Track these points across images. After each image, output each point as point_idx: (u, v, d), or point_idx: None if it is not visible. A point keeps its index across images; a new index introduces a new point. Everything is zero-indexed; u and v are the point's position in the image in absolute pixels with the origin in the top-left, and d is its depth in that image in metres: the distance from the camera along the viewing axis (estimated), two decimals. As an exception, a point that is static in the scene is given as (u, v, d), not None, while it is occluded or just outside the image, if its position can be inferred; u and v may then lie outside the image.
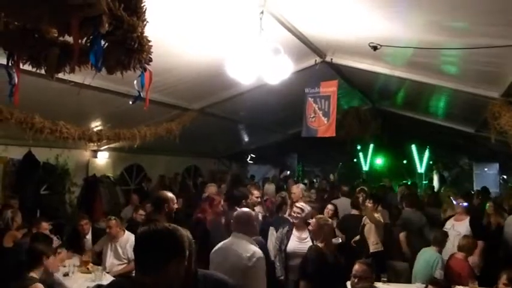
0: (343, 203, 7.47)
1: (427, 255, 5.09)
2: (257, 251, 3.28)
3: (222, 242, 3.43)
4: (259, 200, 6.33)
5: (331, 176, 13.17)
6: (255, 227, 4.32)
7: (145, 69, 2.55)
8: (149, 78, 2.69)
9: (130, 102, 2.98)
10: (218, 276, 2.21)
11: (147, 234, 1.77)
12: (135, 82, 2.68)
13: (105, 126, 6.52)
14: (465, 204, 6.11)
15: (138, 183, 10.18)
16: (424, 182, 13.82)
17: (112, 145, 8.08)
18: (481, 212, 6.81)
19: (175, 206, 4.30)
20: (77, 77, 3.10)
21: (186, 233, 1.84)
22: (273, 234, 5.26)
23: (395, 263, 5.86)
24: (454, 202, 6.29)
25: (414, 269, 5.21)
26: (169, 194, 4.34)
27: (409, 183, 11.86)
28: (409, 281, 5.18)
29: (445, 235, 5.29)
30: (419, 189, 11.75)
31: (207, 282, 1.92)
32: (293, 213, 5.00)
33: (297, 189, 6.74)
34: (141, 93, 2.72)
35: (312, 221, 4.45)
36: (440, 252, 5.06)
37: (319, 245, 4.16)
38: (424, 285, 3.48)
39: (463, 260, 5.01)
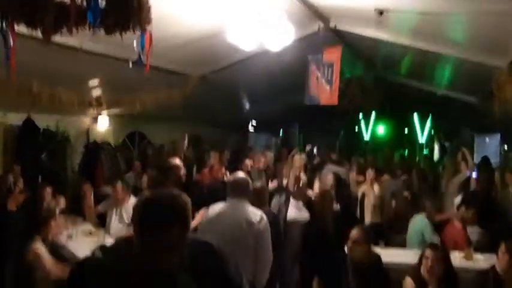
0: (334, 169, 7.46)
1: (416, 222, 5.18)
2: (262, 214, 3.32)
3: (216, 208, 3.35)
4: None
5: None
6: (264, 198, 4.38)
7: (145, 31, 2.49)
8: (149, 41, 2.63)
9: (130, 65, 2.93)
10: (203, 240, 2.16)
11: (151, 199, 1.76)
12: (134, 42, 2.61)
13: (104, 92, 6.45)
14: (475, 174, 6.16)
15: (141, 150, 10.19)
16: (425, 151, 13.81)
17: (112, 112, 8.03)
18: (487, 182, 6.79)
19: (183, 173, 4.25)
20: (75, 42, 3.04)
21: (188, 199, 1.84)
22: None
23: (395, 235, 5.90)
24: (467, 171, 6.36)
25: (407, 236, 5.30)
26: (177, 161, 4.26)
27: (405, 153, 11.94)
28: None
29: (435, 203, 5.33)
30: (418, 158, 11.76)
31: (193, 246, 1.91)
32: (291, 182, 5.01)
33: (299, 159, 6.75)
34: (141, 56, 2.66)
35: (315, 190, 4.50)
36: (430, 218, 5.11)
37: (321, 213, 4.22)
38: (421, 250, 3.50)
39: (459, 227, 5.08)
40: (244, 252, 3.10)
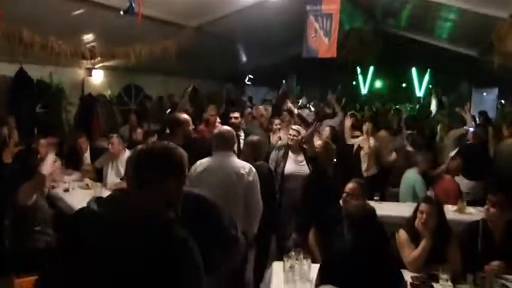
0: (328, 124, 7.43)
1: (408, 176, 5.23)
2: (251, 166, 3.35)
3: (204, 162, 3.33)
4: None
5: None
6: (259, 151, 4.38)
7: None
8: (141, -12, 2.49)
9: (122, 13, 2.80)
10: (196, 192, 2.17)
11: (145, 152, 1.73)
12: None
13: (98, 43, 6.27)
14: (472, 129, 6.16)
15: (139, 103, 10.08)
16: (424, 105, 13.75)
17: (107, 63, 7.85)
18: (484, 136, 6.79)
19: (191, 127, 4.16)
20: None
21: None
22: None
23: (391, 188, 5.97)
24: (466, 127, 6.37)
25: (400, 190, 5.36)
26: (186, 116, 4.10)
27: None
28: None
29: (427, 156, 5.36)
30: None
31: (187, 199, 1.90)
32: (289, 136, 4.96)
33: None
34: (132, 4, 2.53)
35: (319, 143, 4.51)
36: (421, 173, 5.14)
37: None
38: (415, 204, 3.54)
39: (451, 180, 5.14)
40: (235, 204, 3.14)
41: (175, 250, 1.49)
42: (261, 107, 6.91)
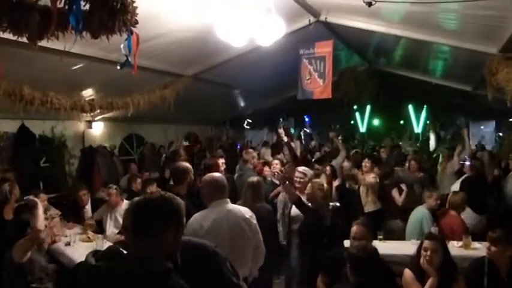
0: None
1: (416, 213, 5.22)
2: (248, 209, 3.32)
3: (207, 215, 3.12)
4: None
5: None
6: (260, 193, 4.38)
7: (131, 32, 2.45)
8: (136, 42, 2.59)
9: (118, 67, 2.89)
10: (195, 241, 2.15)
11: (143, 203, 1.74)
12: (121, 46, 2.57)
13: (97, 96, 6.41)
14: (468, 162, 6.19)
15: (141, 152, 10.15)
16: (422, 141, 13.80)
17: (107, 115, 7.99)
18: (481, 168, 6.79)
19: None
20: (63, 46, 2.99)
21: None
22: None
23: (390, 221, 5.91)
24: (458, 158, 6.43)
25: (407, 227, 5.34)
26: (189, 165, 4.12)
27: (400, 143, 11.98)
28: (403, 238, 5.26)
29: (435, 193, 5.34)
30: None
31: (186, 248, 1.89)
32: (296, 178, 4.96)
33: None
34: (129, 58, 2.62)
35: (308, 185, 4.48)
36: (430, 209, 5.12)
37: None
38: (419, 241, 3.49)
39: (456, 216, 5.09)
40: (248, 250, 3.12)
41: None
42: (250, 150, 6.96)
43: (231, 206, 3.20)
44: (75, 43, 2.34)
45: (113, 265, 1.54)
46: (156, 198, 1.75)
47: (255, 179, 4.58)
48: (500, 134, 12.52)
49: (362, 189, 6.12)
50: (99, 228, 5.39)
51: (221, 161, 5.70)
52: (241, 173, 6.16)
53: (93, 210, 5.77)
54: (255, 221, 3.21)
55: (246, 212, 3.20)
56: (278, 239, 4.67)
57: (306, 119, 15.96)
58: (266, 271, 4.08)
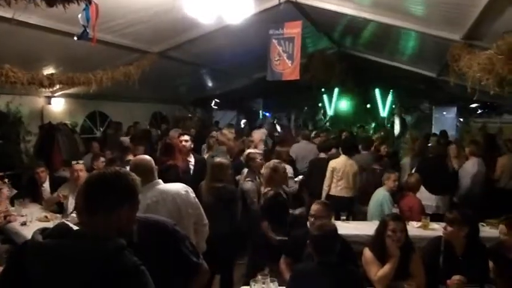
0: (305, 147, 7.55)
1: (377, 195, 5.38)
2: (181, 185, 3.22)
3: (141, 201, 3.06)
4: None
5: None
6: (221, 173, 4.37)
7: (90, 2, 2.34)
8: (96, 13, 2.47)
9: (75, 38, 2.76)
10: (154, 218, 2.12)
11: (97, 177, 1.70)
12: (79, 16, 2.45)
13: (57, 70, 6.15)
14: None
15: (104, 130, 9.88)
16: (387, 125, 14.09)
17: (68, 91, 7.71)
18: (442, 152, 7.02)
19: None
20: (20, 17, 2.83)
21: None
22: None
23: (364, 207, 6.04)
24: None
25: (368, 208, 5.49)
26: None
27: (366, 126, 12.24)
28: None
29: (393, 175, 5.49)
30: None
31: (145, 226, 1.86)
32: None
33: (258, 133, 6.79)
34: (87, 29, 2.50)
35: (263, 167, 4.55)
36: (389, 191, 5.29)
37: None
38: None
39: (413, 197, 5.29)
40: (187, 226, 3.04)
41: (123, 279, 1.44)
42: (226, 131, 6.89)
43: (163, 186, 3.10)
44: (26, 8, 2.19)
45: (61, 242, 1.49)
46: (110, 173, 1.70)
47: (217, 159, 4.58)
48: (461, 120, 12.97)
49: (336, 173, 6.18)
50: (60, 208, 5.22)
51: (184, 138, 5.59)
52: (214, 154, 6.11)
53: (53, 189, 5.58)
54: (193, 195, 3.15)
55: (180, 188, 3.11)
56: (237, 220, 4.66)
57: (267, 115, 16.02)
58: (226, 251, 4.11)
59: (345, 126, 12.61)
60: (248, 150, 5.90)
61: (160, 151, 5.87)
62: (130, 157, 5.49)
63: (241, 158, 6.15)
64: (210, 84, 11.48)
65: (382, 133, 10.38)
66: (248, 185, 4.92)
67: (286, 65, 6.22)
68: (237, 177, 5.67)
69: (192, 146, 5.69)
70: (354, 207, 6.10)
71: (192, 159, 5.55)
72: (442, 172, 6.35)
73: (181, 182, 3.26)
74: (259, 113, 16.00)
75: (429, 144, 8.27)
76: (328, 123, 14.31)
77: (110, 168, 1.76)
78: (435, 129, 12.27)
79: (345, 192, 6.08)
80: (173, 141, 5.91)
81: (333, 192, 6.14)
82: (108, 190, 1.64)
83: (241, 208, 4.74)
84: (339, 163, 6.19)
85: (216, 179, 4.37)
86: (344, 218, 5.05)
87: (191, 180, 4.65)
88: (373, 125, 13.96)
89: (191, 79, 10.09)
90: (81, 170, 5.08)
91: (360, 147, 7.13)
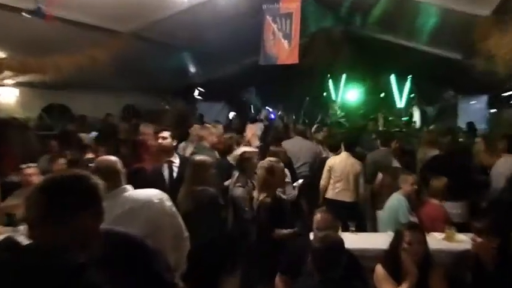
0: (298, 144, 7.57)
1: (391, 201, 5.35)
2: (156, 191, 3.19)
3: (120, 205, 2.95)
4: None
5: None
6: (204, 175, 4.37)
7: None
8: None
9: (27, 15, 2.74)
10: (121, 230, 2.11)
11: (51, 182, 1.69)
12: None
13: (6, 55, 6.11)
14: None
15: (65, 126, 9.80)
16: (405, 118, 14.12)
17: (20, 79, 7.65)
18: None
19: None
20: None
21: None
22: None
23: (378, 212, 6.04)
24: None
25: (381, 217, 5.51)
26: None
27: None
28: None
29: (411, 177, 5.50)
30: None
31: (110, 239, 1.86)
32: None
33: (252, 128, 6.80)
34: (40, 4, 2.48)
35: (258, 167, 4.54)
36: (406, 196, 5.28)
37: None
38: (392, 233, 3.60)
39: (437, 205, 5.28)
40: (163, 241, 2.99)
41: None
42: (209, 125, 6.91)
43: (133, 193, 3.06)
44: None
45: (8, 259, 1.48)
46: (66, 177, 1.71)
47: (198, 157, 4.59)
48: (493, 111, 12.96)
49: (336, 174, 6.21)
50: (9, 220, 5.16)
51: (164, 134, 5.55)
52: (195, 151, 6.10)
53: (3, 197, 5.53)
54: (169, 203, 3.12)
55: (153, 195, 3.08)
56: (224, 229, 4.66)
57: (272, 116, 16.06)
58: (208, 267, 4.11)
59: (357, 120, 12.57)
60: (241, 149, 5.88)
61: (128, 151, 5.84)
62: (90, 155, 5.46)
63: (229, 158, 6.14)
64: (192, 70, 11.44)
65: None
66: (238, 191, 4.91)
67: (282, 47, 6.22)
68: (226, 183, 5.66)
69: (175, 144, 5.67)
70: (358, 215, 6.11)
71: (176, 160, 5.51)
72: (467, 173, 6.35)
73: (149, 187, 3.23)
74: (251, 104, 15.99)
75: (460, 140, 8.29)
76: (340, 115, 14.25)
77: (66, 171, 1.75)
78: (461, 122, 12.31)
79: (343, 196, 6.15)
80: (144, 139, 5.89)
81: (329, 195, 6.24)
82: (65, 196, 1.63)
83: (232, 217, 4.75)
84: (338, 161, 6.26)
85: (197, 181, 4.36)
86: (353, 229, 5.05)
87: (175, 186, 4.68)
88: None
89: (170, 65, 10.05)
90: (34, 175, 5.06)
91: (378, 142, 7.17)
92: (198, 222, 3.93)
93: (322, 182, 6.30)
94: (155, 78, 10.91)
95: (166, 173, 5.28)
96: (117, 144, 7.41)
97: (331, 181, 6.24)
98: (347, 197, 6.16)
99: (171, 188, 4.73)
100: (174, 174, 5.34)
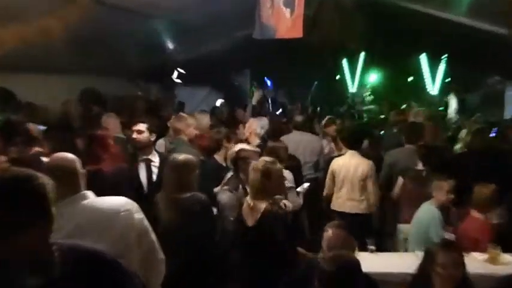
0: (296, 140, 7.59)
1: (421, 213, 5.38)
2: (125, 198, 3.21)
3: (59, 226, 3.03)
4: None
5: None
6: (186, 178, 4.36)
7: None
8: None
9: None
10: (86, 246, 2.12)
11: None
12: None
13: None
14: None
15: (8, 116, 9.77)
16: (440, 108, 14.13)
17: None
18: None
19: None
20: None
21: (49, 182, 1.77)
22: None
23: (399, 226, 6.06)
24: None
25: (409, 232, 5.50)
26: None
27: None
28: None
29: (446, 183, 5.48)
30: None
31: (72, 256, 1.88)
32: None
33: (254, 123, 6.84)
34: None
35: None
36: (440, 207, 5.28)
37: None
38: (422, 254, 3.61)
39: (481, 219, 5.28)
40: (130, 260, 2.97)
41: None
42: (184, 115, 6.87)
43: (94, 201, 3.07)
44: None
45: None
46: (6, 178, 1.71)
47: (179, 157, 4.56)
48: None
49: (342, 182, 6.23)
50: None
51: (138, 127, 5.56)
52: (171, 147, 6.10)
53: None
54: (139, 215, 3.12)
55: (120, 205, 3.08)
56: (212, 247, 4.66)
57: (268, 83, 16.04)
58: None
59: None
60: (238, 146, 5.86)
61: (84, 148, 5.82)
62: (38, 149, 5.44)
63: (216, 157, 6.14)
64: (170, 46, 11.41)
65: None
66: (225, 196, 4.96)
67: (282, 17, 6.23)
68: (216, 190, 5.66)
69: (153, 139, 5.71)
70: (375, 230, 6.14)
71: (155, 159, 5.54)
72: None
73: (109, 195, 3.19)
74: (244, 90, 15.95)
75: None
76: (369, 98, 14.22)
77: (10, 171, 1.74)
78: (510, 113, 12.31)
79: (351, 206, 6.21)
80: (104, 134, 5.87)
81: (334, 206, 6.32)
82: (4, 202, 1.63)
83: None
84: (341, 163, 6.33)
85: (180, 187, 4.37)
86: (373, 248, 5.06)
87: (154, 191, 4.74)
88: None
89: (141, 39, 10.03)
90: None
91: (403, 138, 7.19)
92: (186, 236, 3.95)
93: (326, 190, 6.35)
94: (122, 56, 10.88)
95: (143, 174, 5.31)
96: (73, 139, 7.40)
97: (335, 188, 6.26)
98: (356, 208, 6.19)
99: (150, 194, 4.77)
100: (154, 177, 5.37)
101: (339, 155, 6.74)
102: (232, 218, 4.79)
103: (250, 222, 4.33)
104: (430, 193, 5.45)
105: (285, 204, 4.72)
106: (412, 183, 6.23)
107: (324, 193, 6.40)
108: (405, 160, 6.71)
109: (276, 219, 4.27)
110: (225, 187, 5.06)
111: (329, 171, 6.39)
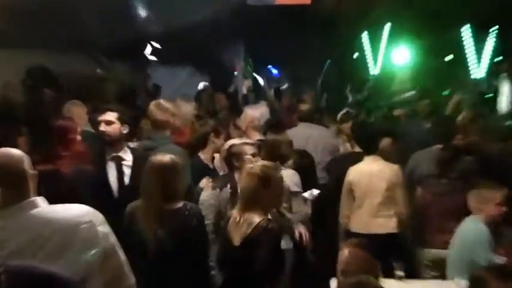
0: (305, 134, 7.63)
1: (464, 230, 5.36)
2: (87, 207, 3.17)
3: (25, 229, 2.94)
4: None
5: None
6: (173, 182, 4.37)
7: None
8: None
9: None
10: (38, 268, 2.12)
11: None
12: None
13: None
14: None
15: None
16: (487, 95, 14.16)
17: None
18: None
19: None
20: None
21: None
22: None
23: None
24: None
25: (448, 254, 5.46)
26: None
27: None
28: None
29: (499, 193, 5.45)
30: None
31: (21, 281, 1.91)
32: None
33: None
34: None
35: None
36: (489, 223, 5.25)
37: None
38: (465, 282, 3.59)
39: None
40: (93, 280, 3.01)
41: None
42: (162, 101, 6.82)
43: (46, 210, 3.04)
44: None
45: None
46: None
47: (167, 157, 4.55)
48: None
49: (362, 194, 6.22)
50: None
51: (106, 117, 5.55)
52: (151, 144, 6.08)
53: None
54: (104, 229, 3.09)
55: (80, 215, 3.05)
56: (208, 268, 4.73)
57: (274, 71, 16.13)
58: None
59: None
60: (231, 141, 5.85)
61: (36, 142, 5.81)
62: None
63: (201, 155, 6.13)
64: (141, 15, 11.42)
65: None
66: (204, 196, 5.07)
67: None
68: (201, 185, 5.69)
69: (125, 131, 5.69)
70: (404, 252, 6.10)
71: (127, 157, 5.57)
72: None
73: (68, 203, 3.16)
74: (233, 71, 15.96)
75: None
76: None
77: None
78: None
79: (377, 226, 6.14)
80: (68, 125, 5.85)
81: (354, 227, 6.20)
82: None
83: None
84: (359, 171, 6.25)
85: (166, 195, 4.37)
86: (402, 274, 5.04)
87: (126, 196, 4.81)
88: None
89: (105, 6, 10.02)
90: None
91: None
92: (180, 255, 4.08)
93: (343, 209, 6.28)
94: (83, 27, 10.88)
95: (113, 176, 5.30)
96: (18, 131, 7.37)
97: (355, 205, 6.21)
98: (383, 227, 6.12)
99: (122, 200, 4.77)
100: (126, 179, 5.36)
101: (352, 153, 6.70)
102: (209, 222, 4.87)
103: (236, 239, 4.32)
104: (460, 206, 5.49)
105: (288, 219, 4.71)
106: (429, 193, 6.24)
107: (341, 215, 6.28)
108: (427, 165, 6.65)
109: (270, 239, 4.24)
110: (210, 184, 5.06)
111: (345, 183, 6.24)
